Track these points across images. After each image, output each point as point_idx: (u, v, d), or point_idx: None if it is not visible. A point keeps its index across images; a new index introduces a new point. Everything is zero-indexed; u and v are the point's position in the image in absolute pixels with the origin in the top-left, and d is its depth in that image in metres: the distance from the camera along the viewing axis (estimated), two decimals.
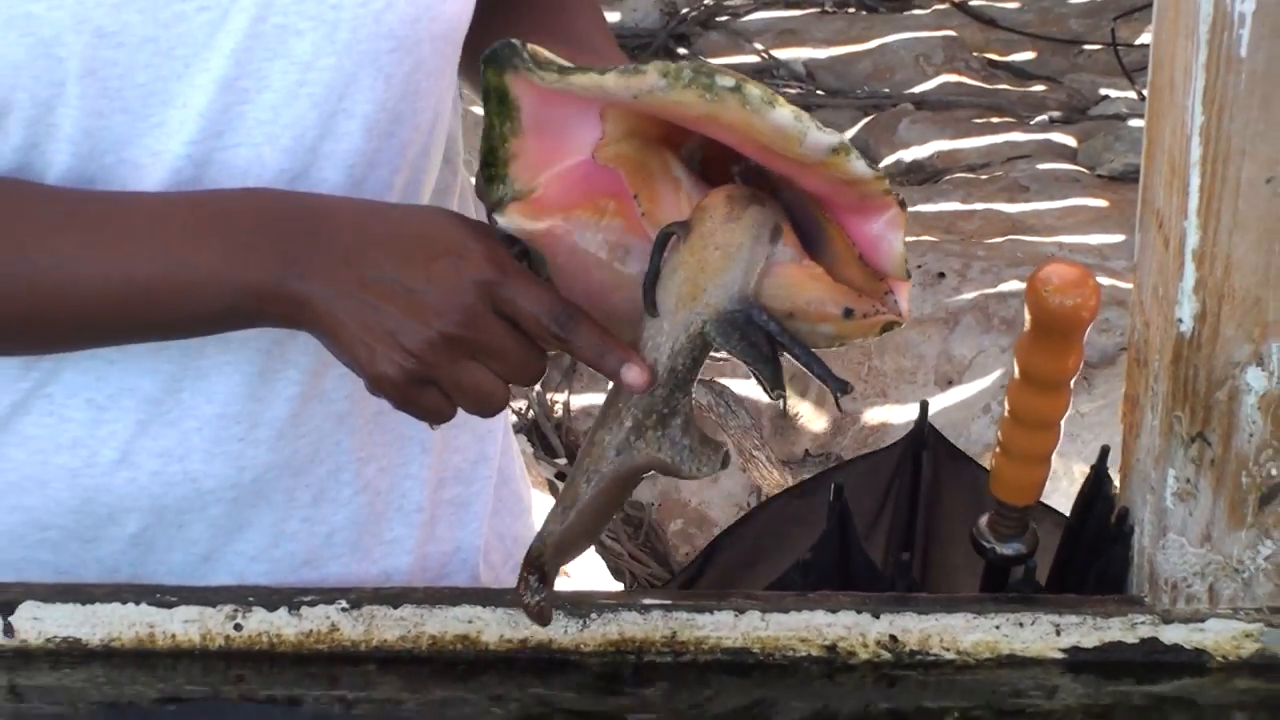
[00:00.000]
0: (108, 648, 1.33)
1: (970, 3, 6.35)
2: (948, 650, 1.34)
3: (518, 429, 4.09)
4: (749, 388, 4.11)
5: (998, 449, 1.43)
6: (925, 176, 5.23)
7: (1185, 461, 1.34)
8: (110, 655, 1.33)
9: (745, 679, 1.33)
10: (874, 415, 4.07)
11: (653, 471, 1.24)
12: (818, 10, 6.40)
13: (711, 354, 1.24)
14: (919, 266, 4.42)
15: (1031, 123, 5.51)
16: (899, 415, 4.02)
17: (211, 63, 1.30)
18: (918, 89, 5.81)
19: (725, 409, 4.03)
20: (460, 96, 1.55)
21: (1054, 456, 1.45)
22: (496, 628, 1.33)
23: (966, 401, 4.01)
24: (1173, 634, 1.35)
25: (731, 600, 1.35)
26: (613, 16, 6.12)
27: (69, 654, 1.33)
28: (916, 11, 6.36)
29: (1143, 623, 1.35)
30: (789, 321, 1.22)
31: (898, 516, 1.62)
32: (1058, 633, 1.35)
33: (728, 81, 1.15)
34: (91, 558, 1.45)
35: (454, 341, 1.22)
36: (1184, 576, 1.37)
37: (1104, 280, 4.21)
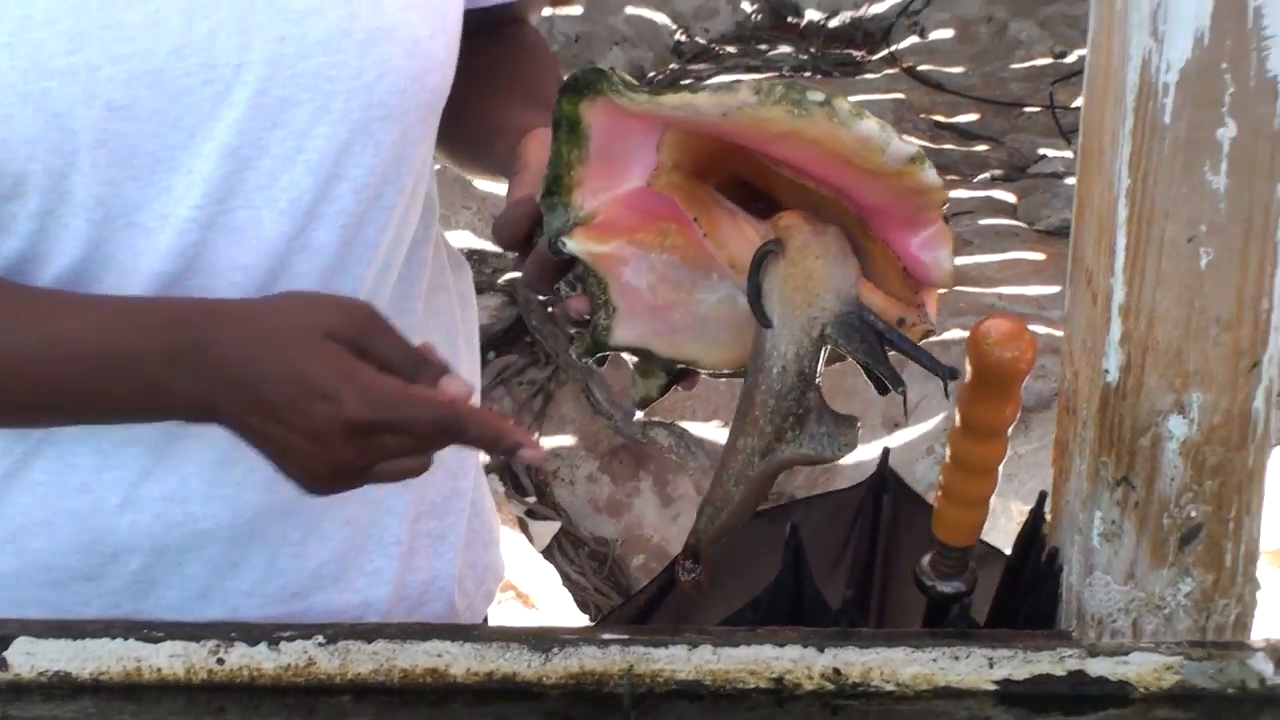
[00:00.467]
0: (97, 681, 1.32)
1: (918, 68, 6.38)
2: (888, 682, 1.34)
3: (490, 469, 4.08)
4: (707, 430, 4.11)
5: (939, 492, 1.43)
6: None
7: (1111, 504, 1.34)
8: (99, 688, 1.32)
9: (698, 709, 1.32)
10: None
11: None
12: (776, 74, 6.42)
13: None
14: None
15: (974, 180, 5.53)
16: (848, 458, 4.01)
17: (215, 132, 1.31)
18: None
19: (684, 449, 4.03)
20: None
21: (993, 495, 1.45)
22: (464, 661, 1.33)
23: (912, 444, 4.01)
24: (1098, 667, 1.35)
25: (685, 635, 1.35)
26: None
27: (60, 687, 1.32)
28: (868, 76, 6.39)
29: (1070, 656, 1.35)
30: None
31: (858, 555, 1.62)
32: (990, 665, 1.34)
33: (818, 96, 1.17)
34: (94, 595, 1.45)
35: (352, 463, 1.24)
36: (1109, 612, 1.37)
37: (1041, 329, 4.22)
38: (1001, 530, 1.51)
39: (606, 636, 1.34)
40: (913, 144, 1.19)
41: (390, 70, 1.34)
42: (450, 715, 1.31)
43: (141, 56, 1.28)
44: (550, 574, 3.64)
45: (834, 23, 6.78)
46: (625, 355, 1.31)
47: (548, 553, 3.81)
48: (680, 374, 1.32)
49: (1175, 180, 1.27)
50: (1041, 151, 5.68)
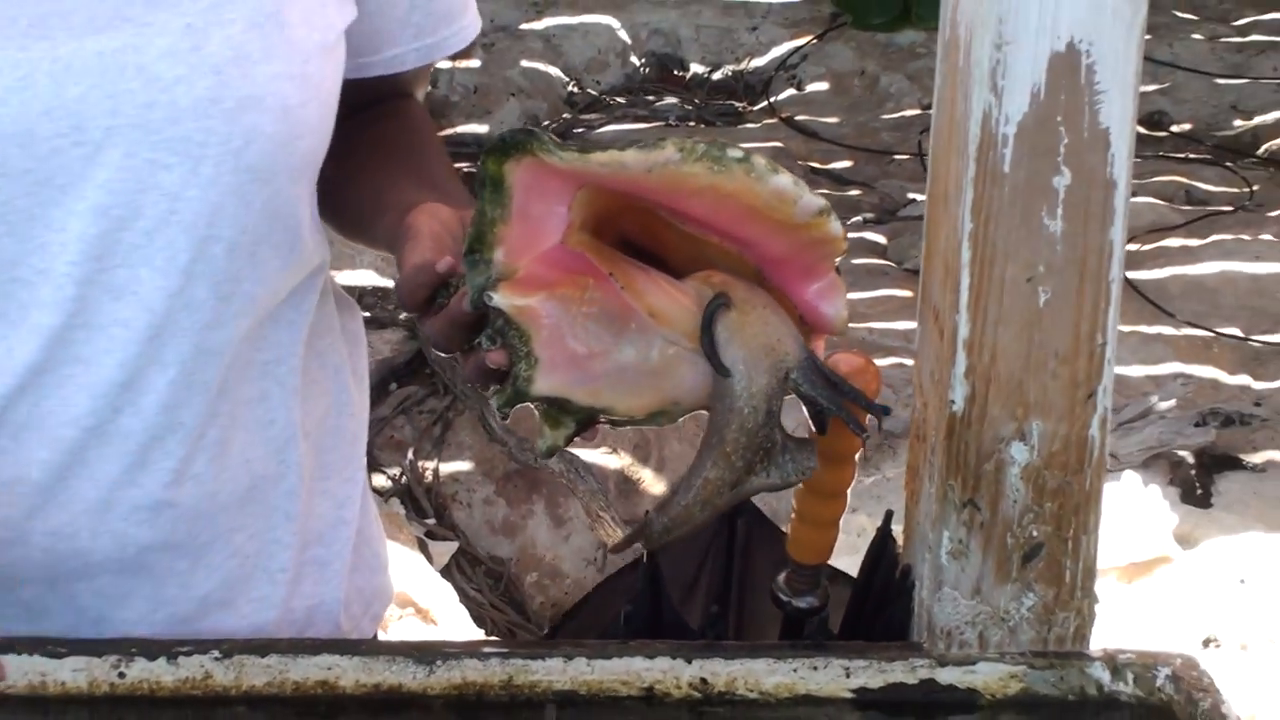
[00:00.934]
0: (3, 695, 1.31)
1: (795, 118, 6.40)
2: (751, 691, 1.34)
3: (391, 493, 4.07)
4: (595, 455, 4.11)
5: (793, 515, 1.43)
6: None
7: (958, 524, 1.36)
8: (5, 701, 1.31)
9: (573, 717, 1.32)
10: None
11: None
12: (662, 123, 6.43)
13: None
14: None
15: (848, 223, 5.55)
16: None
17: (87, 192, 1.30)
18: None
19: (575, 474, 4.03)
20: None
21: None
22: (353, 674, 1.32)
23: None
24: (948, 675, 1.36)
25: (561, 649, 1.35)
26: (480, 128, 6.13)
27: None
28: (749, 125, 6.41)
29: (921, 665, 1.36)
30: None
31: (715, 575, 1.62)
32: (847, 675, 1.35)
33: (737, 154, 1.18)
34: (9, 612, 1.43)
35: None
36: (957, 625, 1.38)
37: (908, 361, 4.24)
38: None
39: (487, 649, 1.34)
40: (821, 198, 1.20)
41: (259, 136, 1.33)
42: None
43: (12, 118, 1.27)
44: (448, 592, 3.62)
45: (717, 75, 6.79)
46: (534, 406, 1.30)
47: (446, 571, 3.80)
48: (586, 424, 1.30)
49: (1015, 225, 1.28)
50: (910, 196, 5.71)
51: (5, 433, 1.36)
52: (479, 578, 3.94)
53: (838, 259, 1.26)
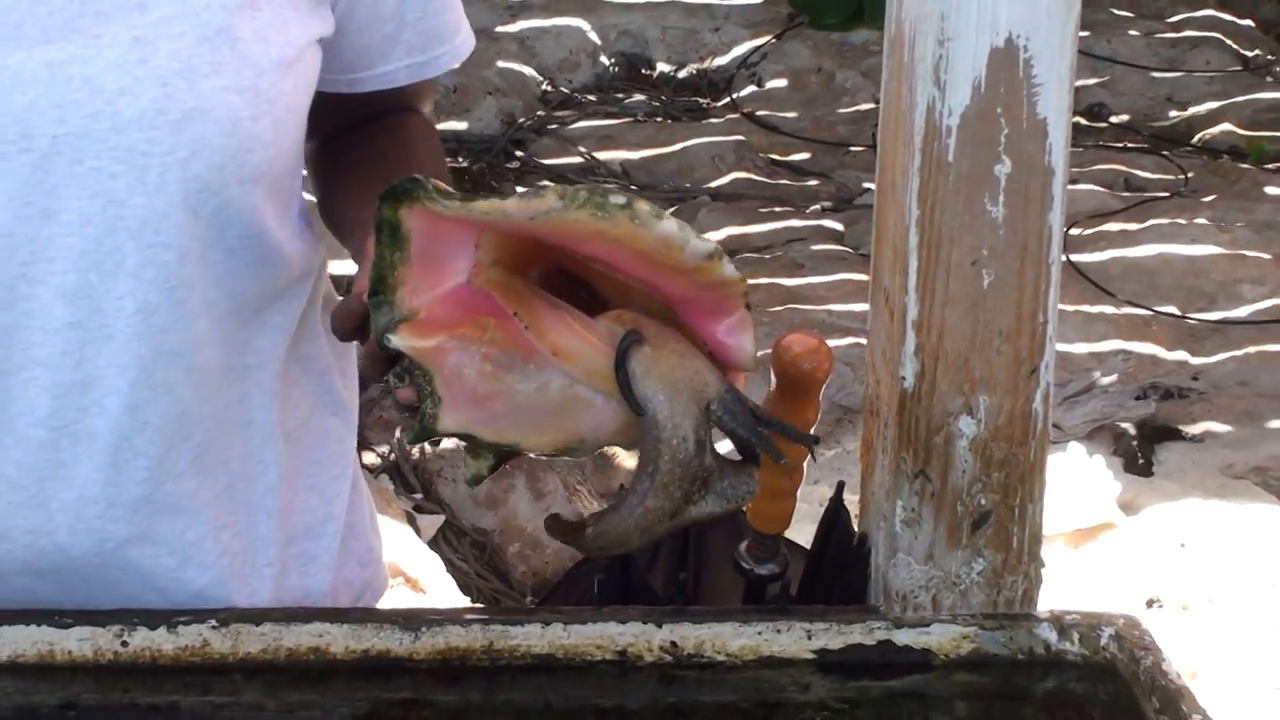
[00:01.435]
0: (14, 663, 1.31)
1: (756, 113, 6.40)
2: (719, 653, 1.34)
3: (381, 469, 4.06)
4: None
5: None
6: None
7: (910, 494, 1.36)
8: (16, 669, 1.31)
9: (551, 679, 1.33)
10: None
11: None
12: (631, 119, 6.43)
13: None
14: None
15: (806, 211, 5.56)
16: None
17: (33, 197, 1.29)
18: (713, 184, 5.84)
19: None
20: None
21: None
22: (343, 640, 1.32)
23: None
24: (904, 637, 1.36)
25: (539, 615, 1.35)
26: (460, 125, 6.12)
27: None
28: (712, 120, 6.40)
29: (879, 628, 1.36)
30: None
31: (674, 547, 1.61)
32: (809, 637, 1.35)
33: (619, 200, 1.14)
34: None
35: None
36: (912, 589, 1.38)
37: (864, 341, 4.24)
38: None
39: (469, 616, 1.34)
40: (710, 242, 1.16)
41: (205, 148, 1.30)
42: (331, 689, 1.31)
43: None
44: (435, 562, 3.62)
45: (682, 74, 6.79)
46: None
47: (433, 543, 3.79)
48: (508, 454, 1.27)
49: (959, 211, 1.28)
50: (865, 185, 5.71)
51: None
52: (464, 548, 3.93)
53: (745, 297, 1.21)
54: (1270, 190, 5.65)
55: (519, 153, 6.08)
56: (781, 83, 6.61)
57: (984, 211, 1.28)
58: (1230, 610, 3.53)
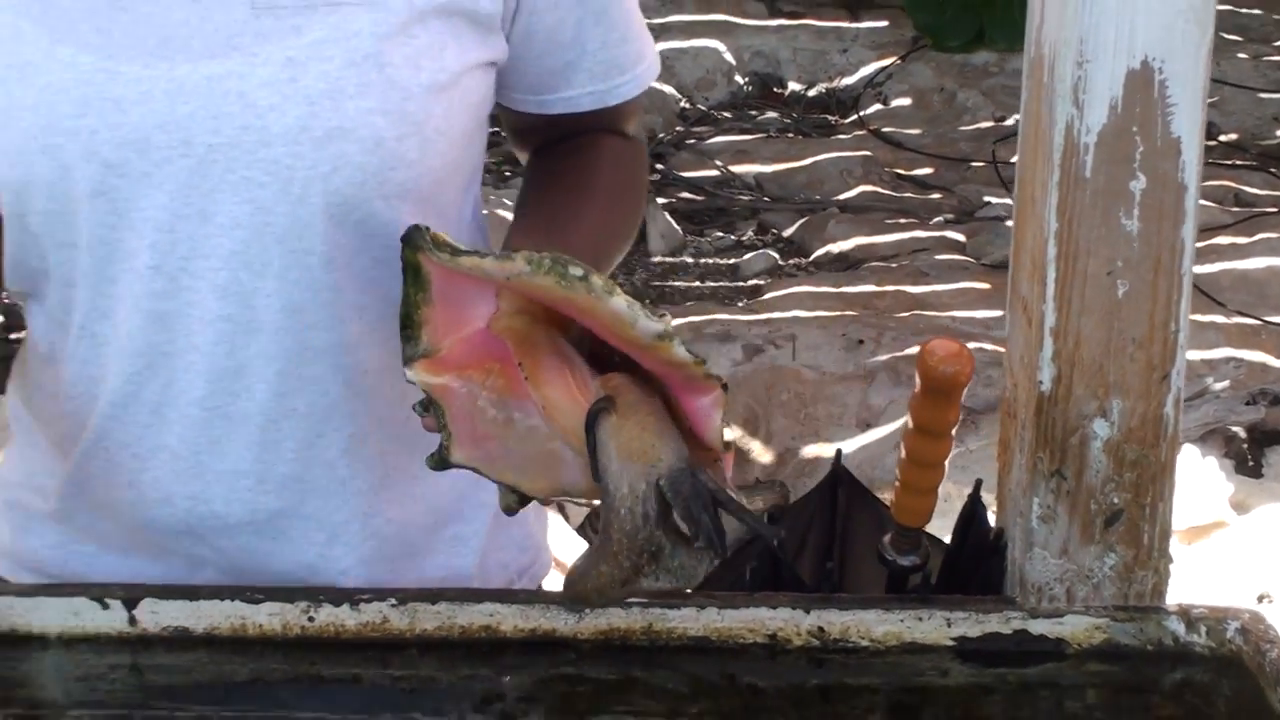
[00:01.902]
0: (210, 635, 1.33)
1: (882, 130, 6.37)
2: (863, 639, 1.34)
3: None
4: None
5: (897, 483, 1.43)
6: (848, 265, 5.23)
7: (1046, 492, 1.35)
8: (211, 641, 1.33)
9: (705, 659, 1.33)
10: (809, 451, 4.06)
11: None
12: (764, 135, 6.42)
13: None
14: (843, 334, 4.42)
15: (930, 223, 5.52)
16: (828, 450, 4.02)
17: (192, 197, 1.32)
18: (842, 196, 5.81)
19: None
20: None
21: (948, 484, 1.46)
22: (512, 619, 1.34)
23: (881, 440, 4.01)
24: (1039, 626, 1.35)
25: (694, 599, 1.35)
26: None
27: (179, 640, 1.33)
28: (840, 136, 6.38)
29: (1015, 618, 1.35)
30: None
31: (820, 538, 1.61)
32: (949, 625, 1.35)
33: (578, 271, 1.12)
34: (161, 564, 1.47)
35: None
36: (1047, 582, 1.37)
37: (987, 346, 4.22)
38: (955, 512, 1.51)
39: (630, 600, 1.34)
40: (661, 322, 1.12)
41: (346, 165, 1.31)
42: (500, 664, 1.32)
43: (131, 126, 1.29)
44: (582, 546, 3.64)
45: (812, 93, 6.77)
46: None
47: (581, 529, 3.81)
48: (525, 494, 1.26)
49: (1095, 224, 1.27)
50: (986, 198, 5.66)
51: (146, 409, 1.39)
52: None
53: (710, 378, 1.15)
54: None
55: (659, 166, 6.08)
56: (906, 101, 6.57)
57: (1119, 225, 1.27)
58: None
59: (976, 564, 1.43)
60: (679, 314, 4.71)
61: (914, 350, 4.26)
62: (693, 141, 6.37)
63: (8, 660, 1.31)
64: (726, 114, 6.64)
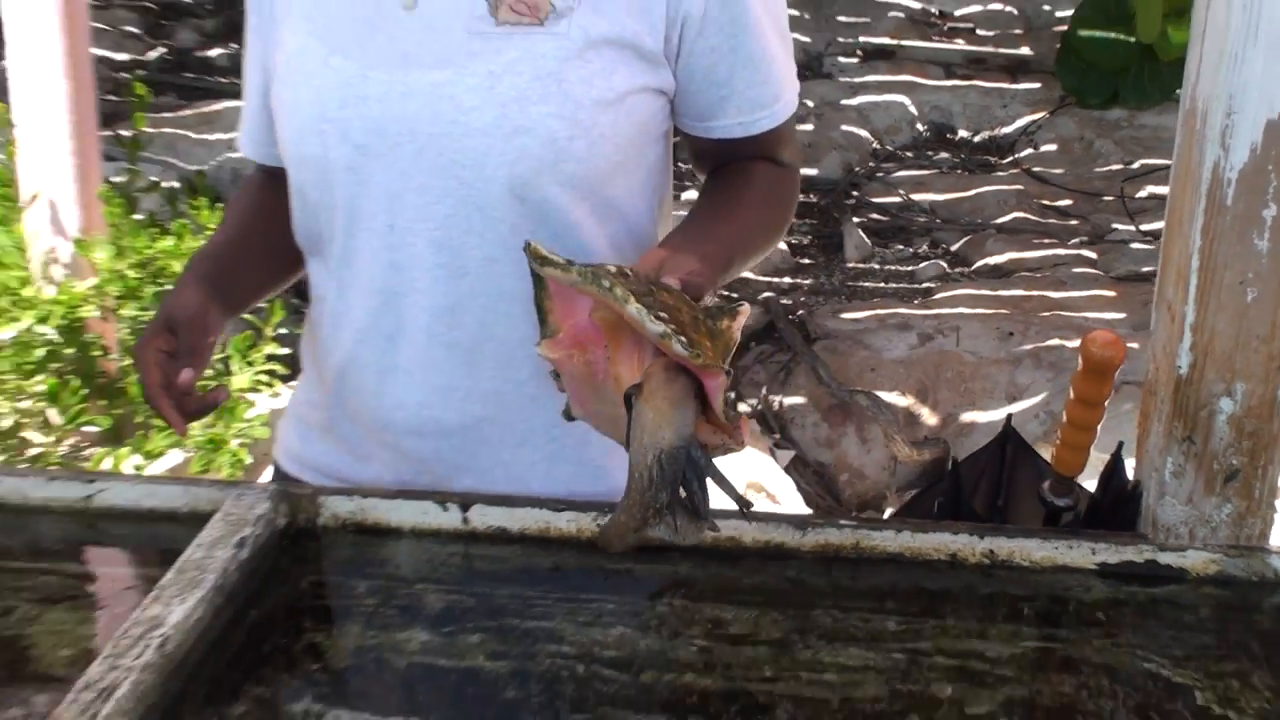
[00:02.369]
0: (522, 534, 1.35)
1: (1033, 169, 6.23)
2: (1024, 560, 1.32)
3: (750, 416, 4.08)
4: (891, 397, 4.06)
5: (1058, 440, 1.40)
6: (1002, 274, 5.13)
7: (1178, 453, 1.31)
8: (524, 539, 1.34)
9: (900, 570, 1.31)
10: (966, 417, 4.00)
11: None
12: (938, 171, 6.32)
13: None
14: (996, 328, 4.34)
15: (1069, 243, 5.39)
16: (982, 418, 3.95)
17: (416, 176, 1.35)
18: (998, 220, 5.70)
19: (875, 408, 3.99)
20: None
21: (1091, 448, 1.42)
22: (751, 533, 1.33)
23: (1024, 411, 3.93)
24: (1166, 558, 1.32)
25: (892, 524, 1.34)
26: (812, 171, 6.09)
27: (499, 536, 1.35)
28: (999, 173, 6.26)
29: (1147, 550, 1.32)
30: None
31: (991, 483, 1.58)
32: (1093, 553, 1.32)
33: (606, 282, 1.11)
34: (394, 470, 1.47)
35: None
36: (1174, 524, 1.33)
37: None
38: (1094, 468, 1.48)
39: (843, 522, 1.33)
40: (660, 324, 1.09)
41: (526, 156, 1.31)
42: (742, 567, 1.32)
43: (375, 118, 1.33)
44: (788, 483, 3.63)
45: (978, 138, 6.64)
46: None
47: (787, 469, 3.80)
48: None
49: (1233, 243, 1.23)
50: (1114, 225, 5.52)
51: (383, 336, 1.41)
52: (808, 475, 3.92)
53: (709, 364, 1.10)
54: None
55: (854, 193, 6.02)
56: (1052, 147, 6.41)
57: (1253, 244, 1.23)
58: None
59: (1115, 509, 1.39)
60: (868, 308, 4.67)
61: (1053, 342, 4.17)
62: (881, 175, 6.30)
63: (373, 545, 1.34)
64: (909, 154, 6.55)
